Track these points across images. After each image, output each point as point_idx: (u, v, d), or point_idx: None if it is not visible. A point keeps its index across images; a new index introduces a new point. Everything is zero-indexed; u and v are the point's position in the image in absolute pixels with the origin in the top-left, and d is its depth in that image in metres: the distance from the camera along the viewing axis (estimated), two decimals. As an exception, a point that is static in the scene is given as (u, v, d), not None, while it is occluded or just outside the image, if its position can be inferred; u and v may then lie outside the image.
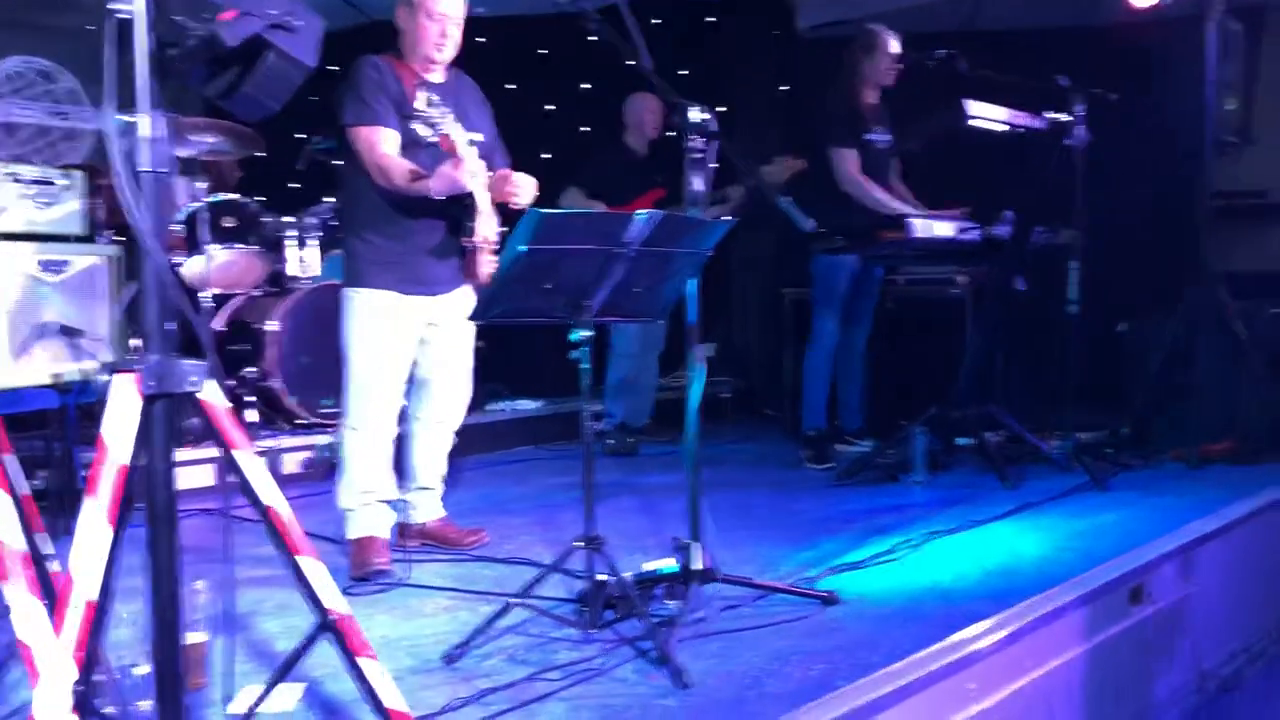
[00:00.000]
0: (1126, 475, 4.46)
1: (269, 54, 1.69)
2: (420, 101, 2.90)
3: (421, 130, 2.94)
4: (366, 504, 3.27)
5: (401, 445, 3.53)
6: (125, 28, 1.61)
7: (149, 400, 1.59)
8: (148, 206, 1.58)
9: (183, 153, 5.08)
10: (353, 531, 3.27)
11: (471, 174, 3.01)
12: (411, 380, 3.42)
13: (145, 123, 1.59)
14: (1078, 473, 4.34)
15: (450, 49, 3.29)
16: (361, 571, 3.16)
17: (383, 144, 3.16)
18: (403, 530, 3.48)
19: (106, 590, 1.54)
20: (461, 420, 3.53)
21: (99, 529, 1.52)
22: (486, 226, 3.20)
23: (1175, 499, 3.97)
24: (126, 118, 1.61)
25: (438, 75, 3.33)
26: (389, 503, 3.34)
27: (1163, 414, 4.92)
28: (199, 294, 4.94)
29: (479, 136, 3.27)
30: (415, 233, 3.26)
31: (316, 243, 5.41)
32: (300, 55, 1.70)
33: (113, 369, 1.57)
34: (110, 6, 1.61)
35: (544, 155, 7.09)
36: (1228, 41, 5.04)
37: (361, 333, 3.27)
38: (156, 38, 1.63)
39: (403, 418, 3.43)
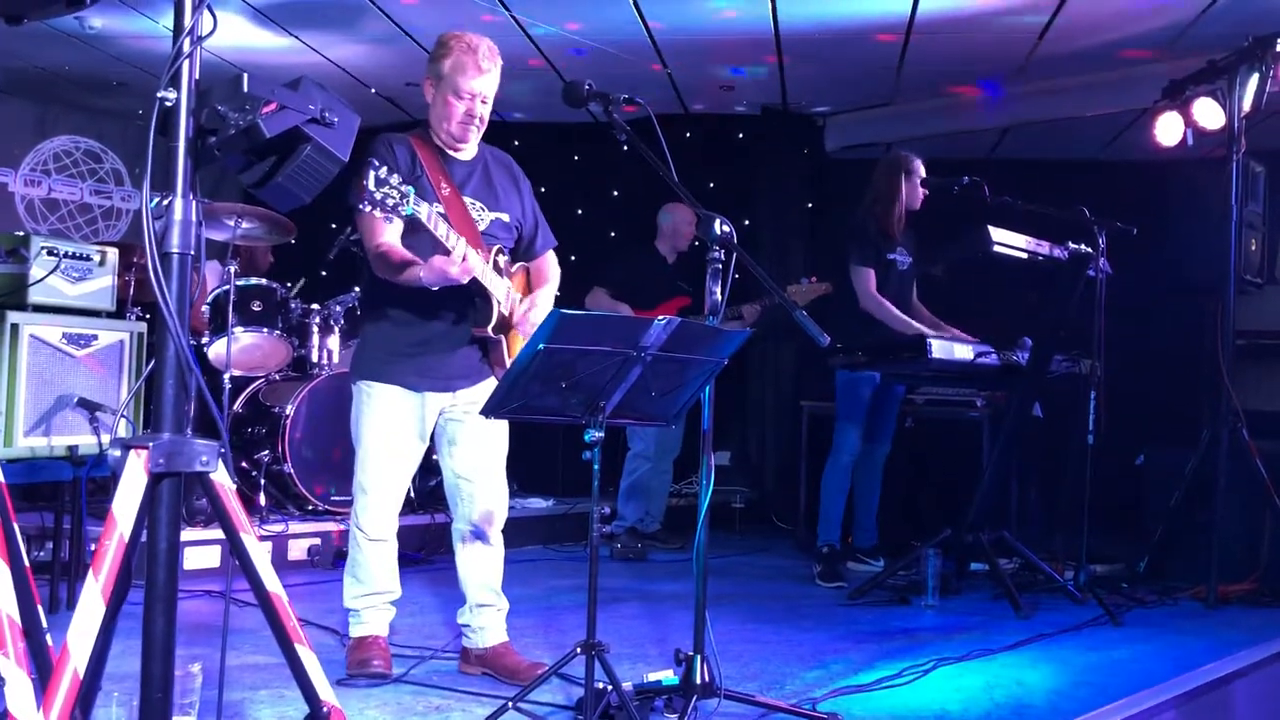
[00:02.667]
0: (1141, 611, 4.37)
1: (305, 147, 1.74)
2: (370, 181, 2.66)
3: (378, 214, 2.75)
4: (371, 605, 3.20)
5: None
6: (169, 114, 1.67)
7: (156, 478, 1.59)
8: (172, 287, 1.61)
9: (218, 236, 5.20)
10: (356, 631, 3.20)
11: (461, 265, 2.85)
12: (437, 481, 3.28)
13: (179, 206, 1.64)
14: (1091, 605, 4.25)
15: (478, 129, 3.15)
16: (358, 670, 3.08)
17: (383, 232, 3.02)
18: (465, 655, 3.27)
19: (95, 666, 1.53)
20: (500, 527, 3.27)
21: (94, 604, 1.52)
22: (510, 311, 3.11)
23: (1191, 639, 3.88)
24: (161, 200, 1.66)
25: (466, 152, 3.20)
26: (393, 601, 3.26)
27: (1180, 550, 4.85)
28: (221, 375, 4.99)
29: (505, 217, 3.20)
30: (429, 324, 3.11)
31: (338, 331, 5.50)
32: (335, 149, 1.75)
33: (124, 445, 1.58)
34: (159, 94, 1.67)
35: (572, 257, 7.22)
36: (1250, 182, 5.11)
37: (368, 431, 3.14)
38: (198, 125, 1.69)
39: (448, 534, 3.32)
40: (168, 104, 1.65)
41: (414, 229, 2.97)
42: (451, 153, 3.17)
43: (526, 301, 3.22)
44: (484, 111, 3.12)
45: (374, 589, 3.19)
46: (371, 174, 2.66)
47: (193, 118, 1.68)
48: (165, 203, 1.65)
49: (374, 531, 3.16)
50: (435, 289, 2.95)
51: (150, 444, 1.60)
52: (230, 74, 1.70)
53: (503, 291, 3.11)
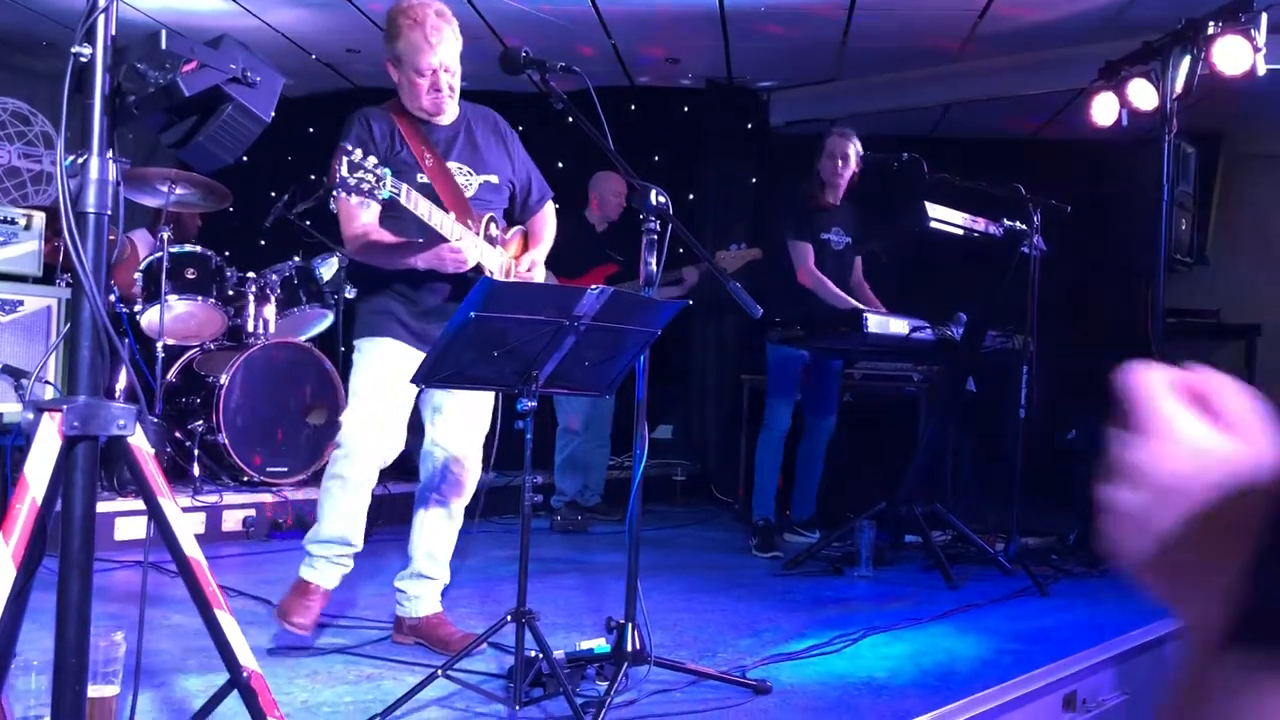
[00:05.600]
0: (1069, 582, 4.47)
1: (226, 107, 1.72)
2: (343, 167, 2.60)
3: (355, 200, 2.70)
4: (325, 555, 3.08)
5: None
6: (84, 70, 1.63)
7: (71, 442, 1.57)
8: (88, 247, 1.58)
9: (151, 202, 5.09)
10: (305, 574, 3.09)
11: (456, 252, 2.87)
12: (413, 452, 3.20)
13: (94, 164, 1.60)
14: (1021, 576, 4.34)
15: (450, 100, 3.08)
16: (283, 618, 3.01)
17: (361, 215, 2.98)
18: (398, 624, 3.24)
19: (8, 632, 1.50)
20: (465, 503, 3.25)
21: (4, 568, 1.49)
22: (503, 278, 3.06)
23: (1115, 607, 3.97)
24: (77, 158, 1.62)
25: (446, 117, 3.13)
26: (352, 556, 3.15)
27: (1109, 523, 4.95)
28: (154, 343, 4.91)
29: (493, 179, 3.15)
30: (425, 299, 3.07)
31: (274, 300, 5.43)
32: (257, 109, 1.72)
33: (37, 407, 1.56)
34: (73, 49, 1.63)
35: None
36: (1181, 163, 5.22)
37: (364, 377, 3.07)
38: (115, 83, 1.65)
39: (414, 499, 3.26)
40: (82, 60, 1.61)
41: (394, 208, 2.90)
42: (431, 120, 3.10)
43: (526, 261, 3.19)
44: (452, 79, 3.04)
45: (334, 534, 3.06)
46: (345, 160, 2.61)
47: (109, 75, 1.64)
48: (80, 161, 1.62)
49: (352, 475, 3.02)
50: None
51: (64, 406, 1.57)
52: (148, 30, 1.66)
53: (497, 264, 3.06)
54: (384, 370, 3.06)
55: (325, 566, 3.10)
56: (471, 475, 3.22)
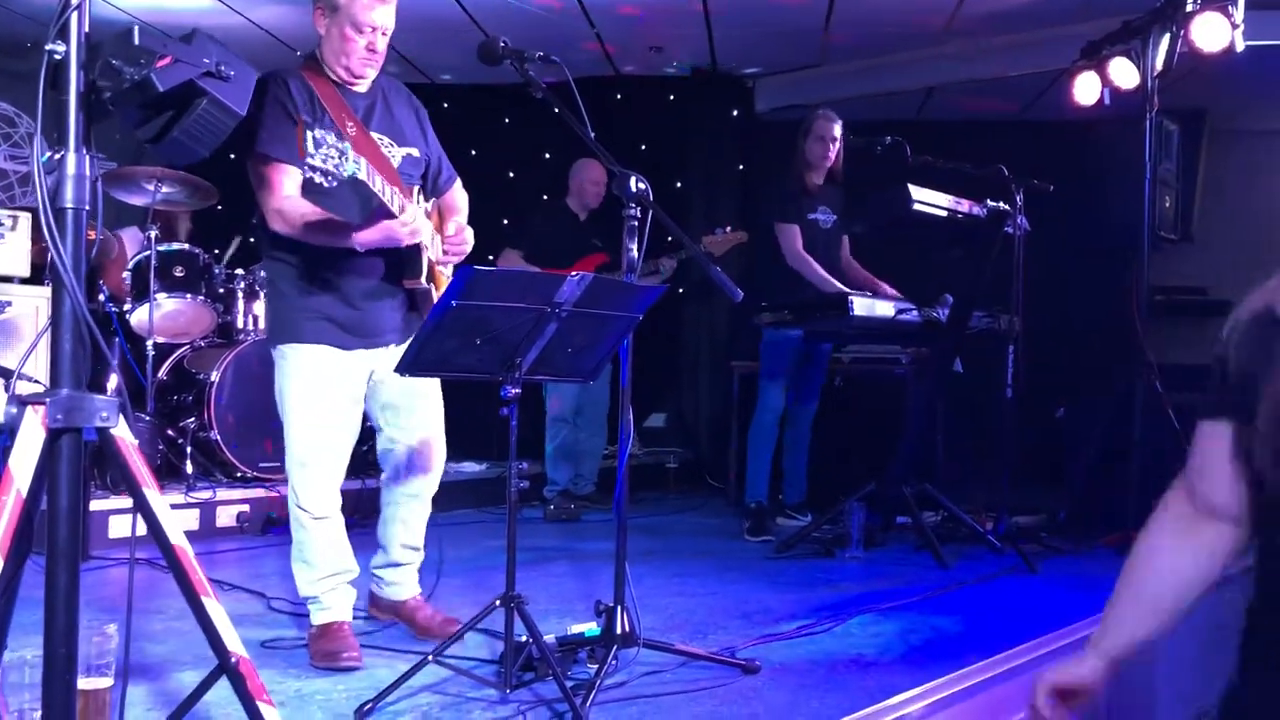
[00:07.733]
0: (1058, 559, 4.51)
1: (201, 101, 1.73)
2: (309, 144, 2.46)
3: (318, 180, 2.55)
4: (330, 589, 2.97)
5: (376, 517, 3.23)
6: (59, 67, 1.65)
7: (55, 435, 1.59)
8: (67, 243, 1.60)
9: (137, 201, 5.10)
10: (319, 618, 2.95)
11: (407, 225, 2.73)
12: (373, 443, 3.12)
13: (71, 160, 1.62)
14: (1011, 555, 4.38)
15: (377, 65, 2.93)
16: (327, 664, 2.84)
17: (284, 185, 2.79)
18: (374, 601, 3.20)
19: (-4, 624, 1.53)
20: (436, 488, 3.18)
21: (-10, 560, 1.52)
22: (434, 250, 2.96)
23: (1103, 583, 4.00)
24: (54, 154, 1.64)
25: (362, 85, 2.96)
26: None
27: (1099, 501, 4.99)
28: (144, 342, 4.93)
29: (414, 152, 3.04)
30: (353, 280, 2.91)
31: (263, 296, 5.45)
32: (232, 104, 1.74)
33: (20, 401, 1.58)
34: (47, 47, 1.65)
35: (505, 221, 7.22)
36: (1164, 140, 5.24)
37: (297, 398, 2.90)
38: (90, 79, 1.67)
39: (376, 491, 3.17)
40: (56, 57, 1.63)
41: (313, 183, 2.74)
42: (349, 85, 2.95)
43: (452, 226, 3.06)
44: (383, 44, 2.90)
45: (329, 570, 2.96)
46: (309, 135, 2.47)
47: (84, 71, 1.66)
48: (57, 156, 1.63)
49: (318, 509, 2.93)
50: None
51: (47, 400, 1.59)
52: (122, 26, 1.68)
53: (429, 237, 2.95)
54: (319, 380, 2.91)
55: (333, 599, 2.98)
56: (437, 459, 3.14)
